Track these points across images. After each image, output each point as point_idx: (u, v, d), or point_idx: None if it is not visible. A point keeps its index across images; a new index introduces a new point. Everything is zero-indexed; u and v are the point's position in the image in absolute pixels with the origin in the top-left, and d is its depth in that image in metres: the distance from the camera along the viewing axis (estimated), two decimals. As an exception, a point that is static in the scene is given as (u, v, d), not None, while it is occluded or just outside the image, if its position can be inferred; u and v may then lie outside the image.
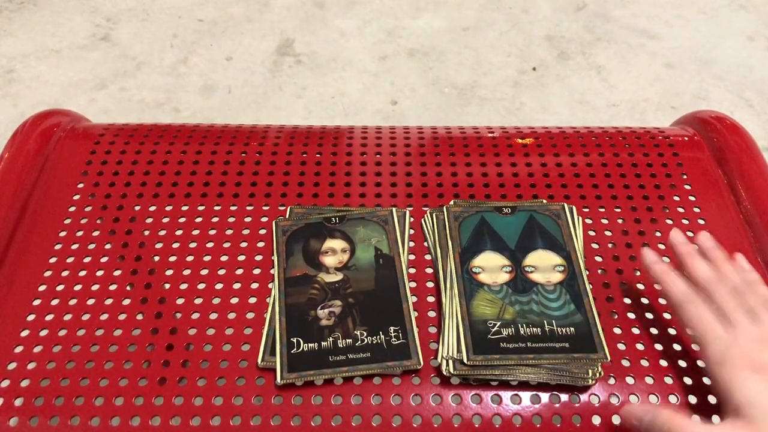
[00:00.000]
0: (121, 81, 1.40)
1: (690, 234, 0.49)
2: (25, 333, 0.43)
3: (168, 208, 0.51)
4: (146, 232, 0.49)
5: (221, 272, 0.47)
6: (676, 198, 0.52)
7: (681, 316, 0.42)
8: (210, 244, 0.48)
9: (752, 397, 0.36)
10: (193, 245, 0.48)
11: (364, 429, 0.39)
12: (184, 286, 0.46)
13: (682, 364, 0.42)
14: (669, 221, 0.50)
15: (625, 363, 0.42)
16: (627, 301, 0.46)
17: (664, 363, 0.42)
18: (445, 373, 0.41)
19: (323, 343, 0.42)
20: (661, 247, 0.48)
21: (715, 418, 0.39)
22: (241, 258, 0.48)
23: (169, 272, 0.47)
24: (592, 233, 0.49)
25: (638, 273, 0.47)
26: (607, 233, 0.50)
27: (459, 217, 0.49)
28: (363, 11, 1.58)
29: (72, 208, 0.51)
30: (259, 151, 0.56)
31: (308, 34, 1.52)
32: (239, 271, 0.47)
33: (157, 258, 0.48)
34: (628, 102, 1.37)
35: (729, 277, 0.43)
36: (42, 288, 0.46)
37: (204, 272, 0.47)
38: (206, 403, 0.40)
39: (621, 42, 1.51)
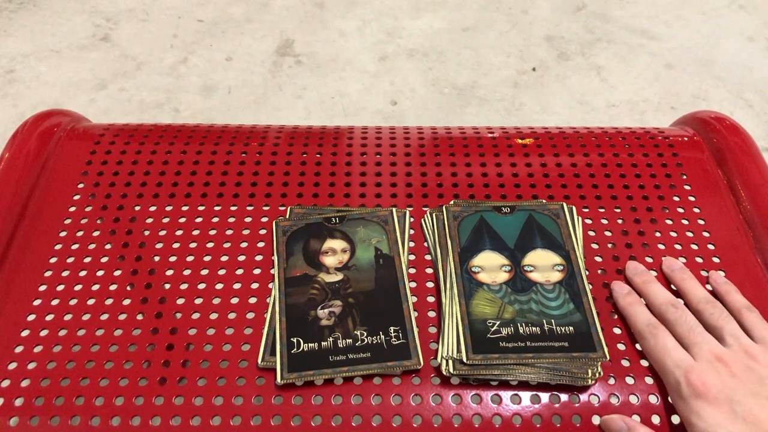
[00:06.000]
0: (121, 81, 1.40)
1: (690, 234, 0.49)
2: (25, 333, 0.44)
3: (168, 208, 0.51)
4: (146, 232, 0.49)
5: (221, 272, 0.47)
6: (676, 198, 0.52)
7: (643, 350, 0.41)
8: (210, 244, 0.48)
9: (706, 429, 0.35)
10: (193, 245, 0.48)
11: (364, 429, 0.39)
12: (184, 286, 0.46)
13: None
14: (669, 221, 0.50)
15: (625, 363, 0.42)
16: (627, 301, 0.45)
17: (663, 363, 0.42)
18: (444, 373, 0.41)
19: (323, 343, 0.42)
20: (661, 247, 0.48)
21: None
22: (242, 258, 0.48)
23: (169, 272, 0.47)
24: (591, 233, 0.49)
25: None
26: (607, 233, 0.50)
27: (458, 217, 0.49)
28: (363, 12, 1.58)
29: (72, 208, 0.51)
30: (259, 152, 0.56)
31: (308, 35, 1.52)
32: (239, 271, 0.47)
33: (157, 258, 0.48)
34: (627, 102, 1.37)
35: (695, 295, 0.43)
36: (42, 288, 0.46)
37: (204, 272, 0.47)
38: (206, 403, 0.40)
39: (620, 42, 1.51)
